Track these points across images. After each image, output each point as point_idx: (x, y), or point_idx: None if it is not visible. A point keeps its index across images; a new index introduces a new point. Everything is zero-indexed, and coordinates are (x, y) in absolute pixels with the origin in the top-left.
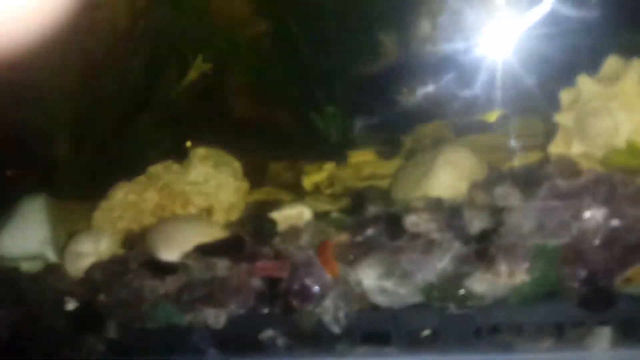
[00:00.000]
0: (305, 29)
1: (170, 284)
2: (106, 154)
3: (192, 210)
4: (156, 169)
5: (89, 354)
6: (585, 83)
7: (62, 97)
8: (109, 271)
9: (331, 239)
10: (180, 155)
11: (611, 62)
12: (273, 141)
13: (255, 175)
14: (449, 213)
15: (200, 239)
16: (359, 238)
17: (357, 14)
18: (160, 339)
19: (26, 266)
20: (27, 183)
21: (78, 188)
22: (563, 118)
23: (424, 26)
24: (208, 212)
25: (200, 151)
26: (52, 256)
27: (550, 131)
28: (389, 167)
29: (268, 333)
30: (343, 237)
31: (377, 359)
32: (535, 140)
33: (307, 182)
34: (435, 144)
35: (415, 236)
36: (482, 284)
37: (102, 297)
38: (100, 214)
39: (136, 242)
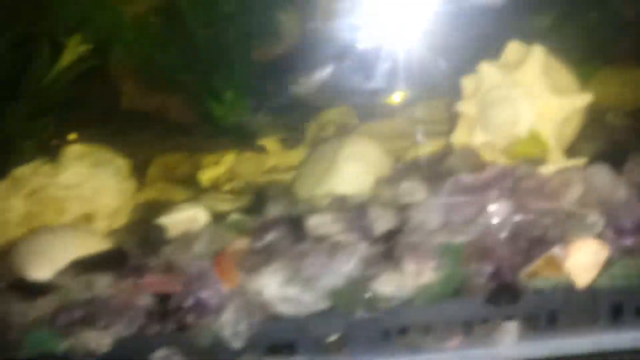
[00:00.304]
0: (198, 5)
1: (42, 306)
2: None
3: (67, 218)
4: (22, 171)
5: None
6: (486, 70)
7: None
8: None
9: (229, 246)
10: (55, 154)
11: (512, 48)
12: (166, 132)
13: (145, 172)
14: (354, 212)
15: (77, 253)
16: (259, 243)
17: None
18: None
19: None
20: None
21: None
22: (464, 106)
23: (327, 5)
24: (87, 219)
25: (74, 148)
26: None
27: (453, 118)
28: (292, 157)
29: (161, 353)
30: (242, 243)
31: None
32: (440, 126)
33: (204, 176)
34: (339, 132)
35: (319, 239)
36: (389, 285)
37: None
38: None
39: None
